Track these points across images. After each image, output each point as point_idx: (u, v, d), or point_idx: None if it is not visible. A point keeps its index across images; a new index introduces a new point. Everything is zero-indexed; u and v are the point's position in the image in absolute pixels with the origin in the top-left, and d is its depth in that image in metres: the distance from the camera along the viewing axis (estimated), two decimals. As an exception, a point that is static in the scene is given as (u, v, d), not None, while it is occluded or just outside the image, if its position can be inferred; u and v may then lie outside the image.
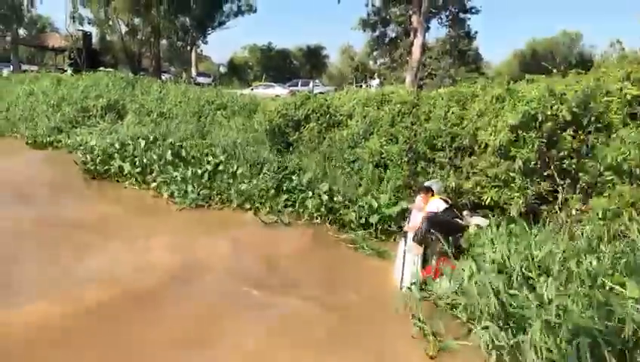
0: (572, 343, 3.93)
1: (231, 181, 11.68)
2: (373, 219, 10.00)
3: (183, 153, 13.18)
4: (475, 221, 8.61)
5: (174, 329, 5.84)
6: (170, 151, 13.12)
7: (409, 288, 6.98)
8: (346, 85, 25.10)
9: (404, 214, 9.65)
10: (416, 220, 7.93)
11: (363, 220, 10.12)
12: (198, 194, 11.43)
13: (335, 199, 10.68)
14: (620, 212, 7.11)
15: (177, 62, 51.11)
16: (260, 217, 10.59)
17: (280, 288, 7.24)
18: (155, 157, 13.09)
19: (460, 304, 6.11)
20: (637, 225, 6.53)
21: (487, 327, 5.22)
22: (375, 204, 10.24)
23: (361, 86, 29.38)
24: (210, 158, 12.63)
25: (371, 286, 7.59)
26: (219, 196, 11.51)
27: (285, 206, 10.98)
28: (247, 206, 11.14)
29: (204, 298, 6.76)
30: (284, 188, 11.37)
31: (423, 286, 6.98)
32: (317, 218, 10.61)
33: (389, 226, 10.01)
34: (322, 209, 10.62)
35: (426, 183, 8.85)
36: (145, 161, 13.08)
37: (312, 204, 10.68)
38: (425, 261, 7.56)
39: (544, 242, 6.53)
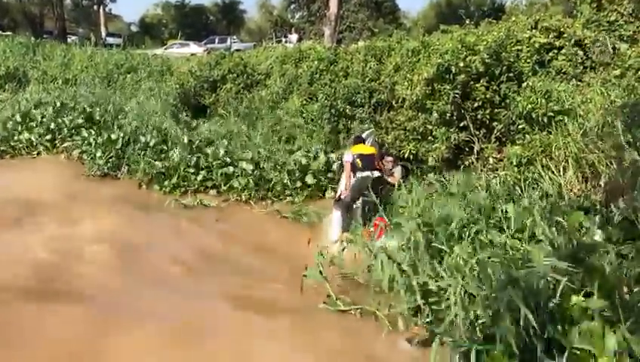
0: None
1: (143, 153, 10.68)
2: (309, 179, 9.68)
3: (96, 116, 12.24)
4: (397, 171, 8.81)
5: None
6: (81, 116, 12.24)
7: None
8: (265, 41, 24.46)
9: (330, 165, 9.81)
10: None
11: (298, 183, 9.70)
12: (108, 161, 10.72)
13: (262, 165, 10.03)
14: (534, 159, 7.34)
15: (85, 23, 48.05)
16: (179, 200, 9.62)
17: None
18: (66, 121, 12.22)
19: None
20: (548, 172, 6.75)
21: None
22: (305, 161, 9.88)
23: (280, 41, 28.71)
24: (122, 122, 11.67)
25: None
26: (128, 167, 10.70)
27: (204, 186, 10.07)
28: (162, 184, 10.12)
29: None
30: (201, 165, 10.17)
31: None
32: (245, 197, 9.73)
33: (320, 181, 9.81)
34: (250, 183, 9.73)
35: (361, 134, 9.02)
36: (54, 126, 12.23)
37: (240, 182, 9.80)
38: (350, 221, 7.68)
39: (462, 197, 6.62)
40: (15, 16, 43.45)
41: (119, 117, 12.15)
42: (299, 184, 9.67)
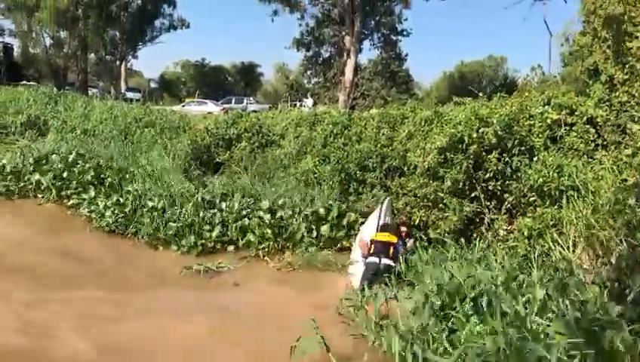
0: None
1: (150, 215, 10.53)
2: (325, 230, 9.64)
3: (105, 175, 12.41)
4: (410, 243, 8.68)
5: None
6: (92, 172, 12.46)
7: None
8: (280, 103, 25.02)
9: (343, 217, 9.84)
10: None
11: (314, 233, 9.64)
12: (116, 220, 10.72)
13: (279, 214, 9.92)
14: (544, 232, 7.33)
15: (106, 77, 49.45)
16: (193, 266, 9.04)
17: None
18: (76, 173, 12.45)
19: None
20: (558, 247, 6.72)
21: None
22: (323, 211, 9.83)
23: (295, 105, 29.37)
24: (130, 188, 11.46)
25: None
26: (135, 226, 10.56)
27: (221, 242, 9.89)
28: (179, 244, 9.89)
29: None
30: (216, 221, 10.03)
31: None
32: (263, 253, 9.53)
33: (336, 233, 9.75)
34: (267, 233, 9.60)
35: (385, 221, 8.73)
36: (66, 175, 12.46)
37: (257, 233, 9.66)
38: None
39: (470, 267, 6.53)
40: (40, 68, 44.82)
41: (127, 177, 12.16)
42: (315, 234, 9.66)
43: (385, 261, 7.66)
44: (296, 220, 9.81)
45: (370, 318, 6.05)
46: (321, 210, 9.85)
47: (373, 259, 7.74)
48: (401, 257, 7.81)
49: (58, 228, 10.95)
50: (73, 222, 11.35)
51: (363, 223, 9.34)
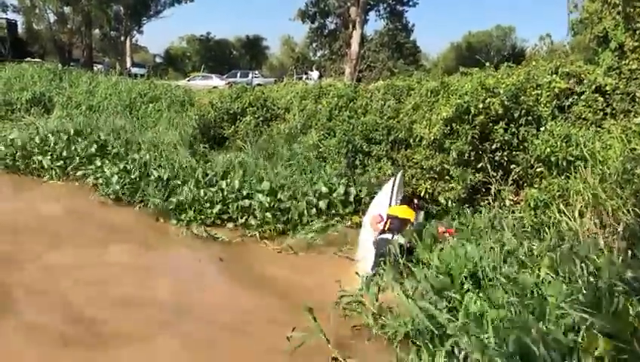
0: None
1: (155, 186, 10.50)
2: (322, 205, 9.39)
3: (109, 147, 12.51)
4: (420, 216, 8.41)
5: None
6: (95, 145, 12.52)
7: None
8: (286, 77, 24.82)
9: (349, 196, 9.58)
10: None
11: (313, 210, 9.37)
12: (123, 187, 10.77)
13: (280, 196, 9.66)
14: (551, 203, 7.28)
15: (111, 53, 49.26)
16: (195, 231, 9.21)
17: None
18: (79, 150, 12.52)
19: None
20: (565, 217, 6.67)
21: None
22: (325, 190, 9.56)
23: (301, 78, 29.12)
24: (136, 156, 11.63)
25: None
26: (142, 196, 10.58)
27: (221, 219, 9.77)
28: (178, 218, 9.82)
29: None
30: (216, 199, 9.86)
31: None
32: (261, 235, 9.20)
33: (338, 212, 9.49)
34: (267, 217, 9.29)
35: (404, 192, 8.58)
36: (65, 154, 12.54)
37: (257, 216, 9.38)
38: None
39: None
40: (45, 44, 44.60)
41: (134, 148, 12.35)
42: (314, 211, 9.39)
43: (400, 240, 6.90)
44: (299, 201, 9.52)
45: (371, 307, 5.78)
46: (324, 188, 9.61)
47: (387, 236, 7.10)
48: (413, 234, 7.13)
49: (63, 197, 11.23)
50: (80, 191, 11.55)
51: (372, 198, 9.18)
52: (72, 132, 13.25)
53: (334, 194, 9.61)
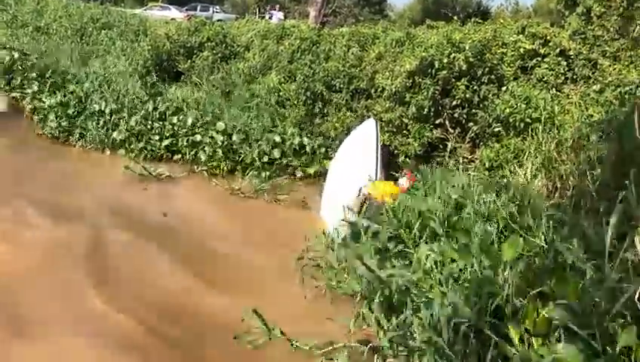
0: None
1: (97, 120, 10.16)
2: (276, 153, 9.32)
3: (47, 75, 11.71)
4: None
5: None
6: (37, 70, 11.79)
7: None
8: (248, 14, 23.97)
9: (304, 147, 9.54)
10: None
11: (265, 158, 9.31)
12: (59, 124, 10.28)
13: (233, 138, 9.56)
14: (505, 163, 7.34)
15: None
16: (133, 168, 8.93)
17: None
18: (20, 69, 11.89)
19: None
20: (517, 177, 6.73)
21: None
22: (279, 140, 9.48)
23: (264, 17, 28.16)
24: (73, 87, 11.03)
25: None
26: (80, 132, 10.22)
27: (170, 152, 9.67)
28: (127, 149, 9.72)
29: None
30: (166, 133, 9.75)
31: None
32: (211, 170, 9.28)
33: (290, 162, 9.49)
34: (217, 153, 9.32)
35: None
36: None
37: (207, 151, 9.38)
38: None
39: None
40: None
41: (69, 78, 11.60)
42: (266, 159, 9.34)
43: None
44: (252, 147, 9.42)
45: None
46: (277, 138, 9.51)
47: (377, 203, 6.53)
48: None
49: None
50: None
51: (329, 148, 9.01)
52: (15, 55, 12.35)
53: (287, 144, 9.52)
